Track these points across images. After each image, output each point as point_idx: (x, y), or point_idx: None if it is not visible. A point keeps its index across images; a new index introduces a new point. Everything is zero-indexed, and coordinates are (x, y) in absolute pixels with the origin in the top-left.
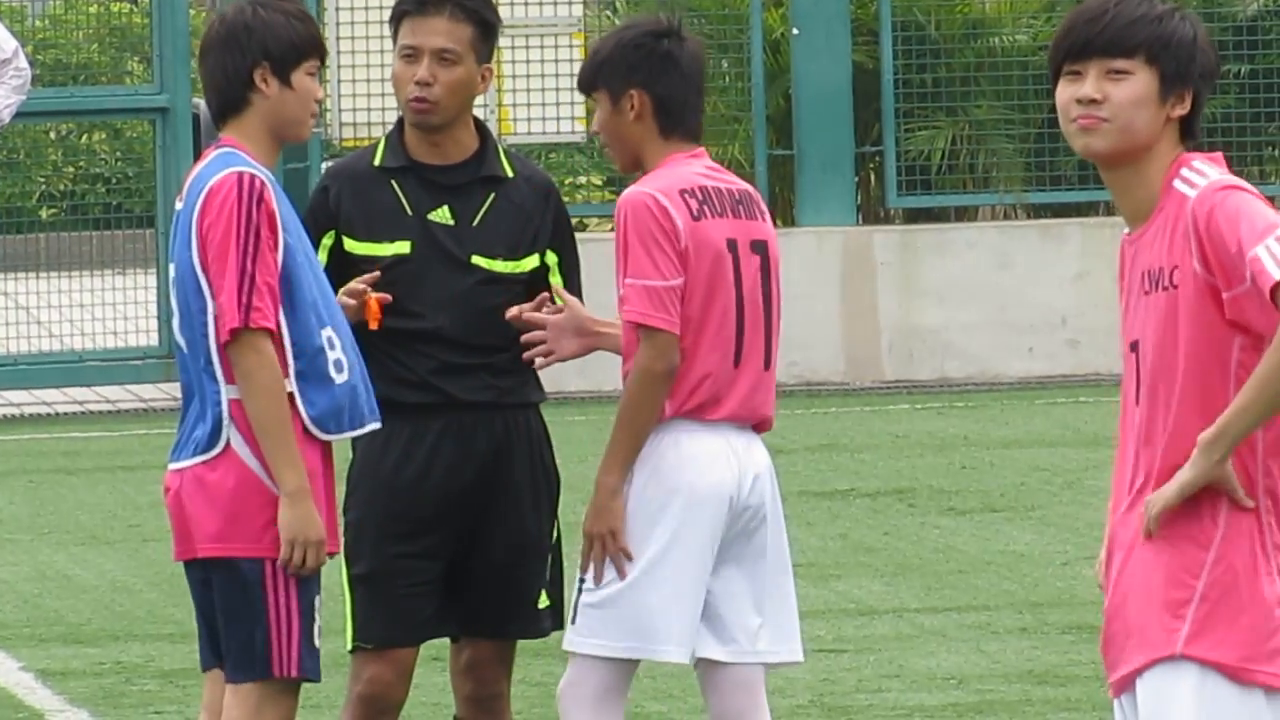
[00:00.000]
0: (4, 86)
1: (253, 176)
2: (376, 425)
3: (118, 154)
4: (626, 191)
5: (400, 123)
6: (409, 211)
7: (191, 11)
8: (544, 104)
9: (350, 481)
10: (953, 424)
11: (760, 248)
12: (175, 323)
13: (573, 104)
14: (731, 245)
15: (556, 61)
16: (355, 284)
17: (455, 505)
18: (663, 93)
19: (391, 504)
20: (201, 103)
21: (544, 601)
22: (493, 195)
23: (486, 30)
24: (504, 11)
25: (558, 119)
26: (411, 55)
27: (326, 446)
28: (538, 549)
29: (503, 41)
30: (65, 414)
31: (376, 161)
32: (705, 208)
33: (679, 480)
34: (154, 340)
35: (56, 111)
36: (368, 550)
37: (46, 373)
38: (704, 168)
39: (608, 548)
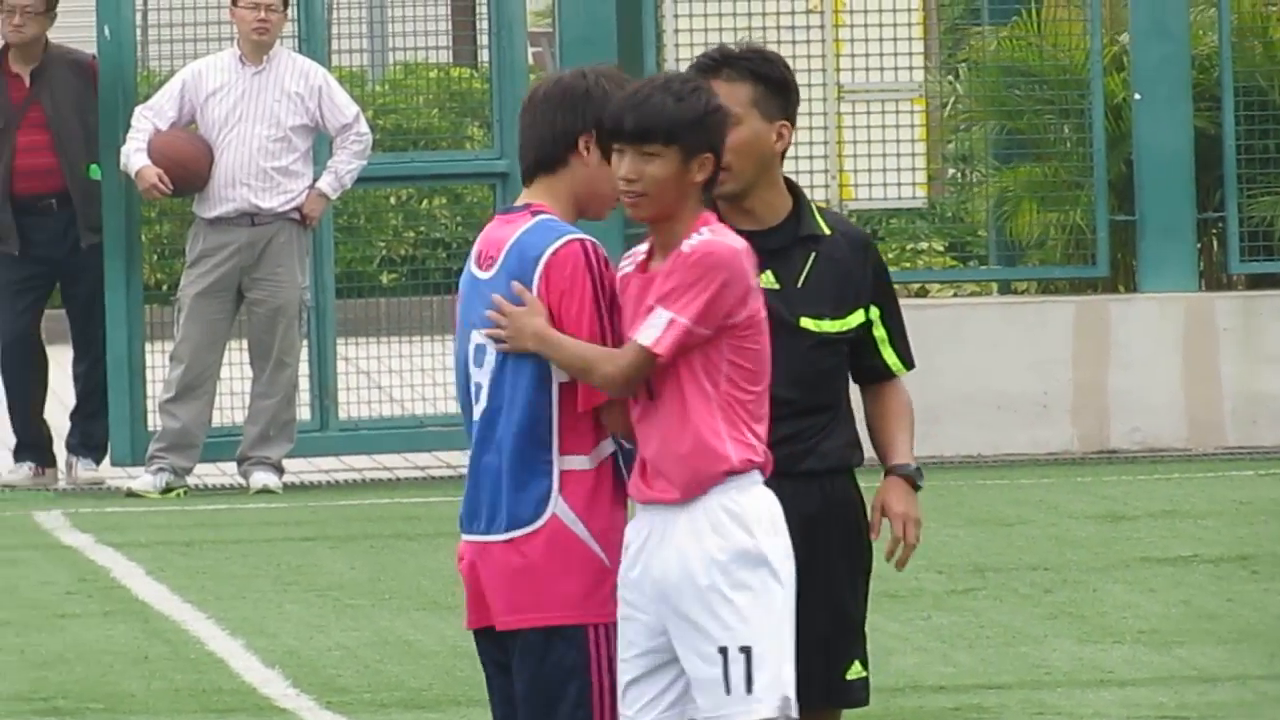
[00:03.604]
0: (345, 152)
1: (595, 244)
2: None
3: (458, 219)
4: (717, 238)
5: None
6: None
7: (532, 77)
8: (884, 169)
9: None
10: None
11: None
12: (485, 392)
13: (913, 169)
14: None
15: (897, 127)
16: None
17: None
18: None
19: None
20: None
21: (857, 672)
22: (813, 255)
23: (771, 86)
24: (845, 77)
25: (899, 184)
26: None
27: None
28: (852, 619)
29: (843, 107)
30: (406, 479)
31: None
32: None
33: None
34: None
35: (397, 177)
36: None
37: (387, 438)
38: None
39: None
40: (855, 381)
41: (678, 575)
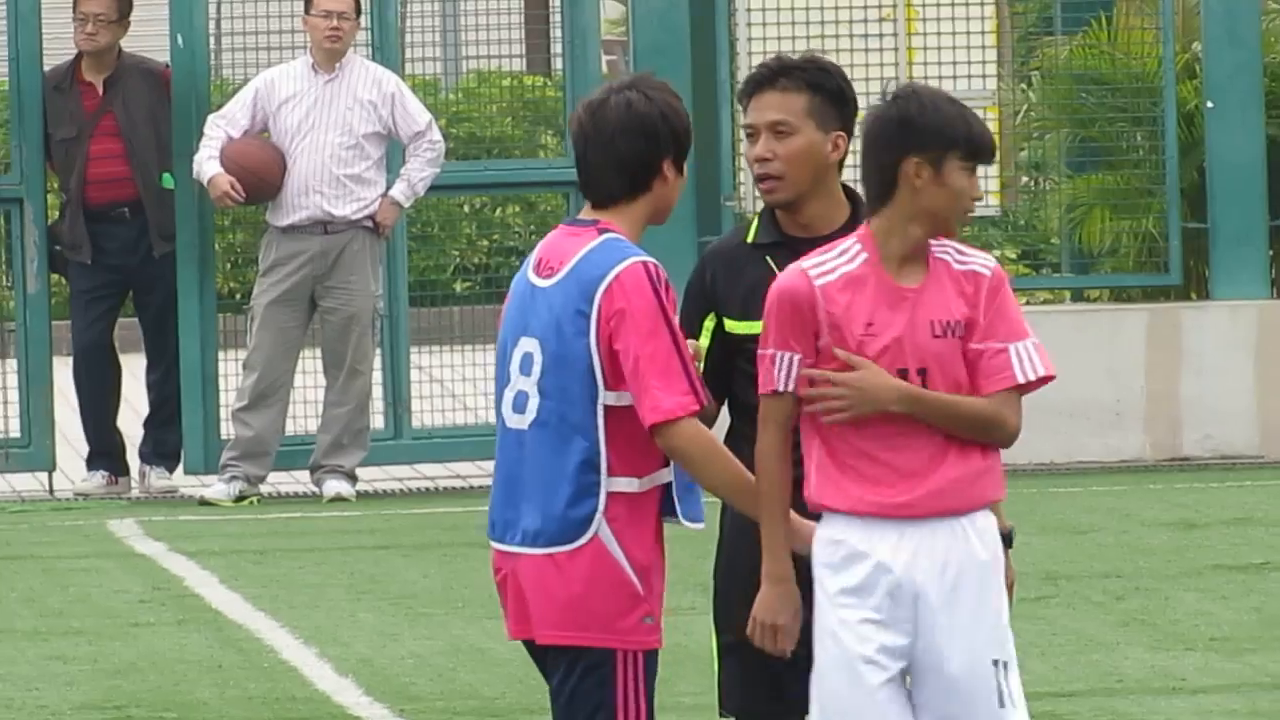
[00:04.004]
0: (418, 160)
1: (657, 266)
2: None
3: (531, 227)
4: (995, 262)
5: None
6: None
7: None
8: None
9: (720, 550)
10: None
11: None
12: (532, 403)
13: (986, 177)
14: None
15: None
16: None
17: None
18: None
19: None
20: None
21: None
22: None
23: (827, 96)
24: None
25: None
26: (752, 134)
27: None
28: None
29: None
30: (479, 487)
31: (750, 239)
32: None
33: None
34: None
35: (470, 185)
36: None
37: (461, 446)
38: None
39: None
40: None
41: None
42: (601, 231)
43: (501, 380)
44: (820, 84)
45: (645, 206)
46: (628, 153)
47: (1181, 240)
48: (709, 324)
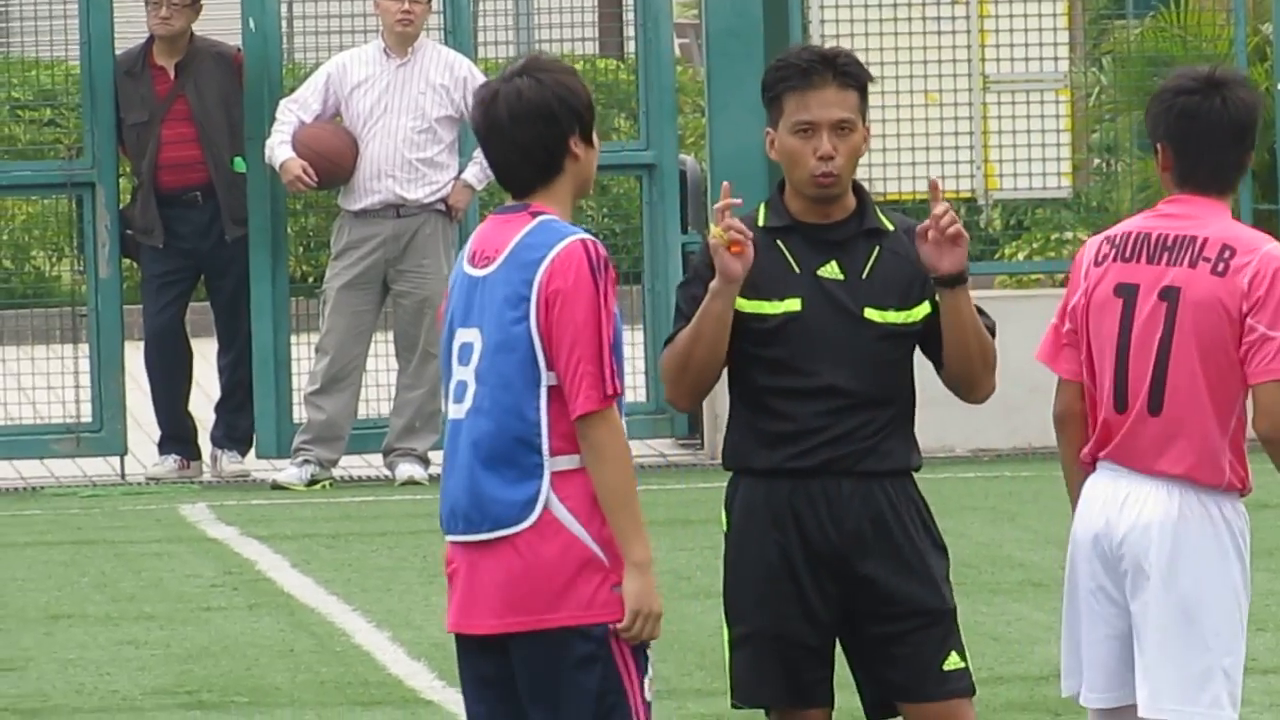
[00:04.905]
0: None
1: (595, 244)
2: None
3: (604, 210)
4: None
5: (781, 185)
6: (797, 269)
7: (679, 69)
8: (1029, 159)
9: (728, 542)
10: None
11: (1169, 294)
12: (468, 392)
13: (1059, 159)
14: (1124, 290)
15: (1043, 117)
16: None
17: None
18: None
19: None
20: (689, 159)
21: (955, 663)
22: (877, 248)
23: (865, 93)
24: (990, 67)
25: (1044, 174)
26: (808, 130)
27: None
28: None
29: (989, 97)
30: None
31: (760, 222)
32: (1114, 252)
33: (1073, 523)
34: (642, 396)
35: None
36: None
37: None
38: (1174, 211)
39: None
40: (938, 367)
41: None
42: (535, 214)
43: (444, 374)
44: (864, 81)
45: (566, 186)
46: (529, 141)
47: (1254, 221)
48: None
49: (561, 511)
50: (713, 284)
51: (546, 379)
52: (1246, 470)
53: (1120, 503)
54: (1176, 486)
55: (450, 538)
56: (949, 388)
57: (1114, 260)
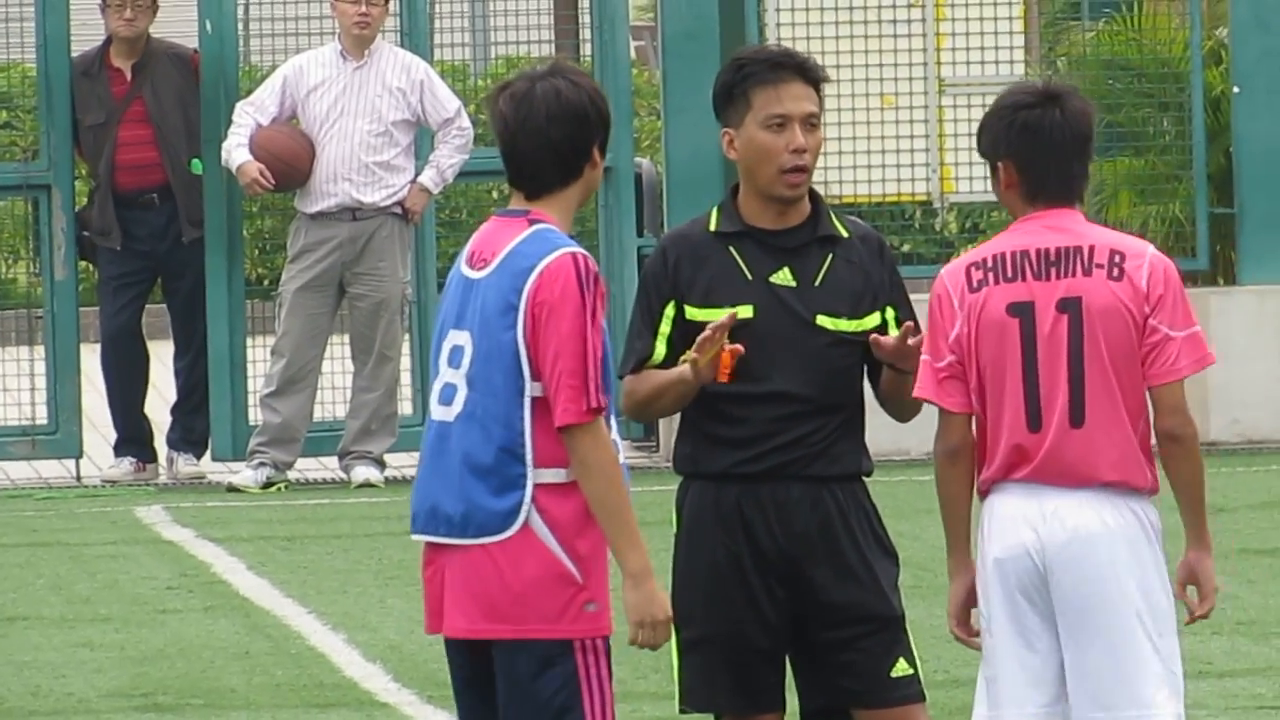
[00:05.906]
0: (447, 146)
1: (586, 257)
2: None
3: None
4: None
5: (735, 189)
6: (749, 276)
7: (634, 71)
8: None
9: (677, 545)
10: None
11: (1069, 305)
12: (459, 395)
13: None
14: (1018, 309)
15: None
16: (709, 332)
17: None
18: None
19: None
20: (644, 162)
21: (903, 670)
22: (830, 255)
23: (823, 94)
24: (946, 70)
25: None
26: (781, 124)
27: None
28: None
29: (945, 100)
30: None
31: (712, 228)
32: (990, 275)
33: (985, 547)
34: None
35: (499, 171)
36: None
37: None
38: (1040, 227)
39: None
40: (875, 386)
41: None
42: (532, 222)
43: (432, 372)
44: (822, 80)
45: (577, 192)
46: (561, 141)
47: (1209, 225)
48: (670, 311)
49: (540, 526)
50: (686, 374)
51: (531, 389)
52: (1156, 471)
53: (1046, 517)
54: (1106, 494)
55: (426, 538)
56: (879, 403)
57: (995, 283)
